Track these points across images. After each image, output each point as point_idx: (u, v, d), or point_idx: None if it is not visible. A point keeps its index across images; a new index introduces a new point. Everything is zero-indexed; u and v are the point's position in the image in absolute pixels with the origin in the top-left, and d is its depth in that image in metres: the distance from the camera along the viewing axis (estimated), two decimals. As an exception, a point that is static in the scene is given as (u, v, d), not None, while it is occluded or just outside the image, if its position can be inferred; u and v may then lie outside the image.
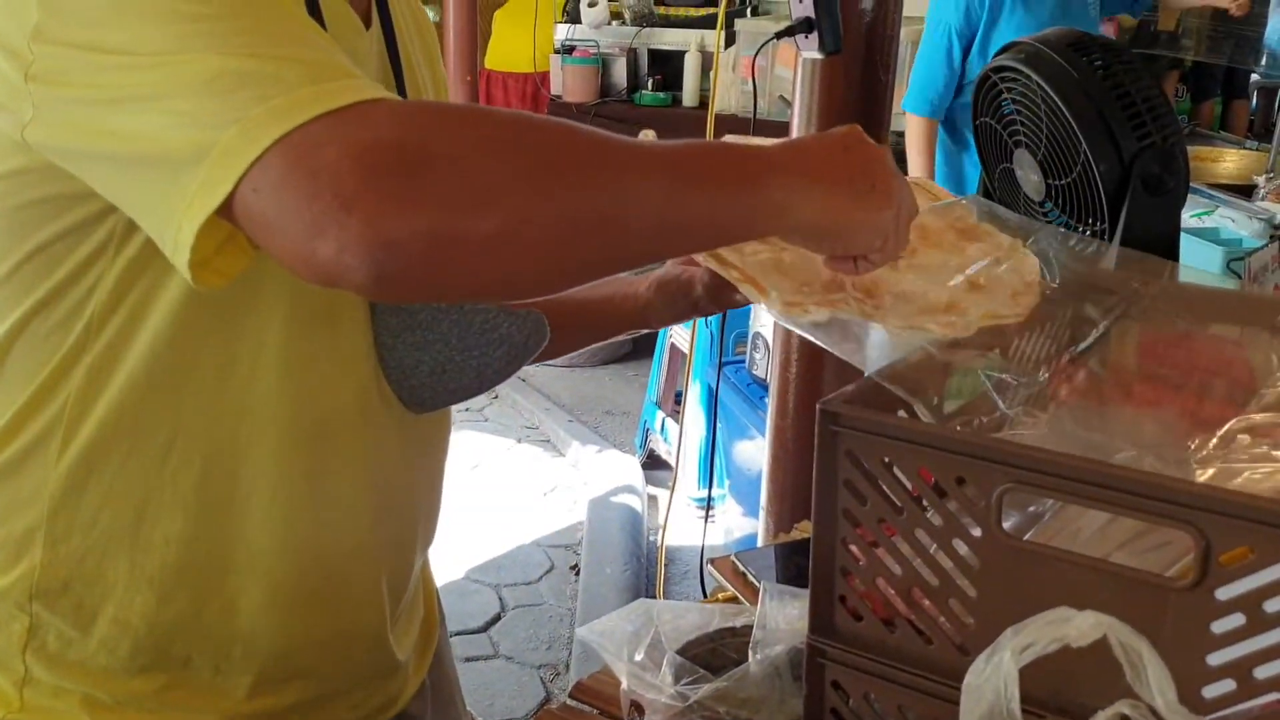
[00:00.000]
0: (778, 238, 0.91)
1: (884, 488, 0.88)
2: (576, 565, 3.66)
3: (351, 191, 0.69)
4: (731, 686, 1.00)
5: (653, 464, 4.26)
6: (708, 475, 3.82)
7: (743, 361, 3.52)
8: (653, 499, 4.09)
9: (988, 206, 1.18)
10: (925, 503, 0.87)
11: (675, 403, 4.06)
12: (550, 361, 1.13)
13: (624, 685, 1.03)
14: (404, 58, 1.07)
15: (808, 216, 0.86)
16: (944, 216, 1.14)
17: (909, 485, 0.87)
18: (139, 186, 0.79)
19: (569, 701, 1.21)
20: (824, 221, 0.87)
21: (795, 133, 1.90)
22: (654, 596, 3.39)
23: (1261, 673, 0.76)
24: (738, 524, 3.45)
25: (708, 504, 2.53)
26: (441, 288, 0.78)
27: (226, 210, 0.73)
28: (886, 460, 0.88)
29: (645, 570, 3.59)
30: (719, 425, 3.46)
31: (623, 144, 0.80)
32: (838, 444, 0.89)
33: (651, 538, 3.80)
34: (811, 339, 1.00)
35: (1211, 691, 0.78)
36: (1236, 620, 0.76)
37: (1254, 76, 5.93)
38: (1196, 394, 1.11)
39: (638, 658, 1.04)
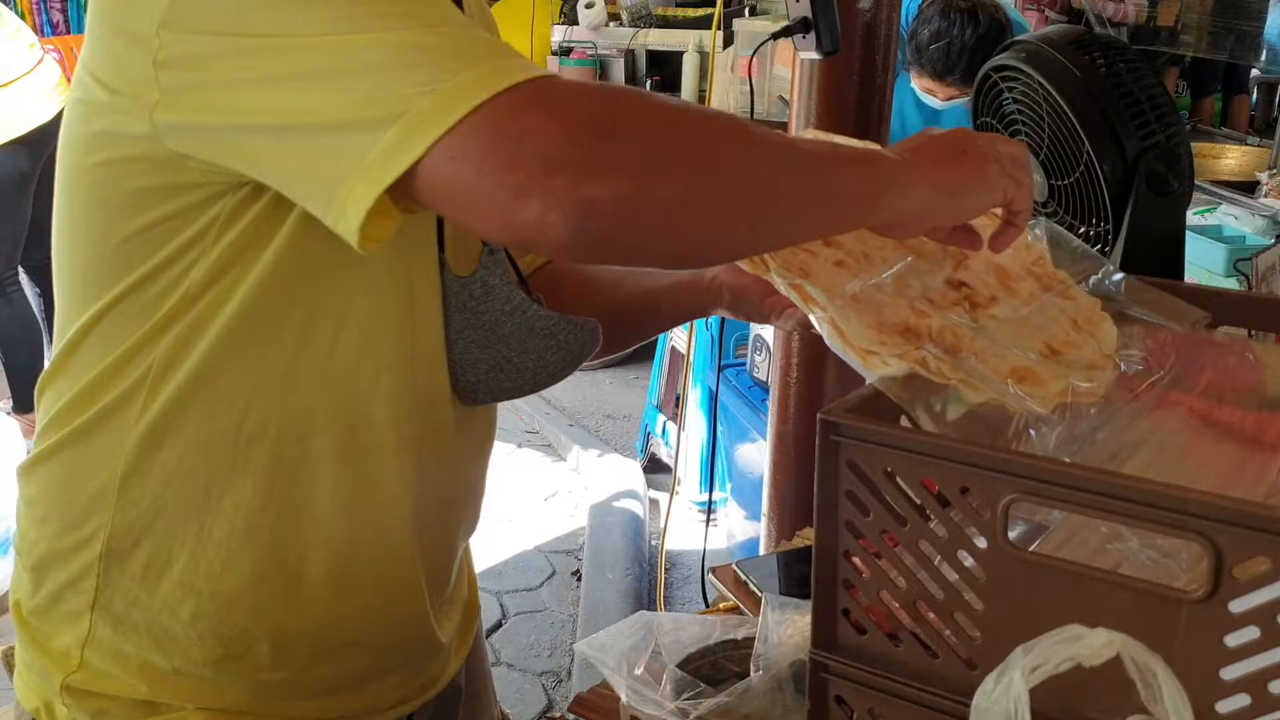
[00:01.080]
0: (898, 220, 0.94)
1: (887, 498, 0.86)
2: (578, 571, 3.64)
3: (557, 155, 0.75)
4: (733, 701, 0.98)
5: (654, 468, 4.24)
6: (709, 479, 3.80)
7: (744, 364, 3.50)
8: (655, 503, 4.06)
9: (1056, 233, 1.15)
10: (929, 513, 0.85)
11: (676, 406, 4.04)
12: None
13: (624, 700, 1.00)
14: None
15: (922, 192, 0.93)
16: (1021, 257, 1.10)
17: (913, 496, 0.85)
18: (297, 158, 0.82)
19: (569, 716, 1.19)
20: (937, 194, 0.94)
21: (793, 132, 1.88)
22: (656, 601, 3.37)
23: (1277, 687, 0.74)
24: (740, 528, 3.42)
25: (709, 508, 2.51)
26: (626, 249, 0.82)
27: (405, 178, 0.76)
28: (889, 470, 0.86)
29: (647, 575, 3.56)
30: (721, 428, 3.44)
31: (765, 129, 0.86)
32: (839, 454, 0.87)
33: (654, 542, 3.78)
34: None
35: (1225, 706, 0.76)
36: (1251, 633, 0.74)
37: (1254, 72, 5.92)
38: (1204, 398, 1.09)
39: (637, 672, 1.02)
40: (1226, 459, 1.05)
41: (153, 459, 1.00)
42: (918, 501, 0.85)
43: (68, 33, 6.70)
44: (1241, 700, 0.75)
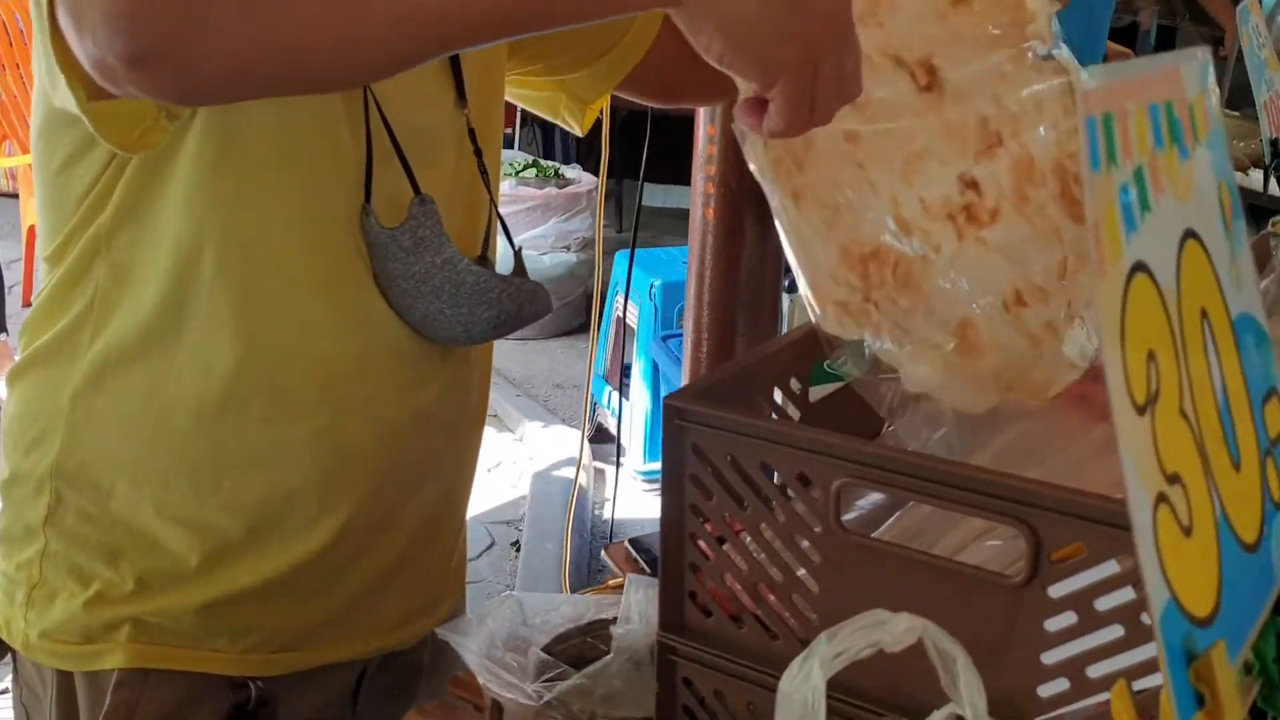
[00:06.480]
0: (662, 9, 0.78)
1: (729, 482, 0.86)
2: (517, 542, 3.64)
3: None
4: (589, 683, 0.97)
5: (601, 438, 4.23)
6: (651, 450, 3.81)
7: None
8: (600, 473, 4.06)
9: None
10: (770, 498, 0.85)
11: (625, 376, 4.04)
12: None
13: (481, 683, 1.00)
14: None
15: None
16: (1064, 146, 0.89)
17: (755, 480, 0.85)
18: None
19: (447, 698, 1.18)
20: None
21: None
22: (596, 572, 3.37)
23: (1094, 672, 0.74)
24: (680, 498, 3.42)
25: (616, 483, 2.51)
26: (210, 73, 0.76)
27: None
28: (731, 456, 0.85)
29: (588, 546, 3.56)
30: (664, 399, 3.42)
31: None
32: (684, 438, 0.87)
33: (596, 512, 3.78)
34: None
35: (1046, 690, 0.76)
36: (1069, 619, 0.75)
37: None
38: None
39: (500, 654, 1.02)
40: (1093, 438, 1.06)
41: (95, 394, 1.05)
42: (759, 486, 0.85)
43: None
44: (1061, 684, 0.76)
